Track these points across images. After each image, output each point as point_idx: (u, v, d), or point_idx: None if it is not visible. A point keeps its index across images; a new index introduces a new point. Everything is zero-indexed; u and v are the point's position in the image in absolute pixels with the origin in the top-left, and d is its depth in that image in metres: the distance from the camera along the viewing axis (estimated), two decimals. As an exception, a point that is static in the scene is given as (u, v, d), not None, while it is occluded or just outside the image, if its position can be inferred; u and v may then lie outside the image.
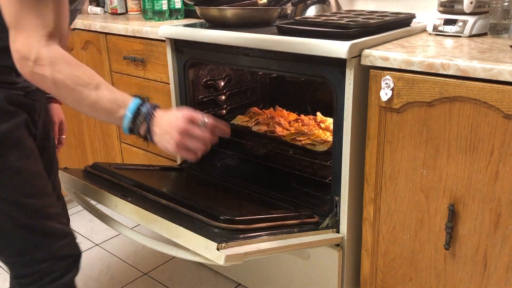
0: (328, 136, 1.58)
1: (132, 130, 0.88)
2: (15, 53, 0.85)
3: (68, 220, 1.33)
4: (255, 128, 1.70)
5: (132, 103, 0.87)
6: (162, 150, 0.88)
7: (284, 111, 1.86)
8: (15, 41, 0.85)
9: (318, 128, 1.67)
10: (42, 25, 0.85)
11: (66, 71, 0.85)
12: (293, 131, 1.64)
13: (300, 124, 1.71)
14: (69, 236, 1.09)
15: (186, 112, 0.90)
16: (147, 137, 0.88)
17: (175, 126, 0.87)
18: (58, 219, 1.07)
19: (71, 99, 0.87)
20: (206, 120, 0.90)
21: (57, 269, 1.07)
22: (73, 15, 1.09)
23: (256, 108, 1.87)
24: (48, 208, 1.05)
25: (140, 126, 0.87)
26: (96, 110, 0.87)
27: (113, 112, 0.87)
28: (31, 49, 0.84)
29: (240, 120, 1.78)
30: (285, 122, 1.72)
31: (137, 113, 0.87)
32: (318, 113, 1.78)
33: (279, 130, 1.65)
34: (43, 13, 0.85)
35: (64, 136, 1.37)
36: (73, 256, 1.10)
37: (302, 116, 1.78)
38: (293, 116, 1.80)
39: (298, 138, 1.58)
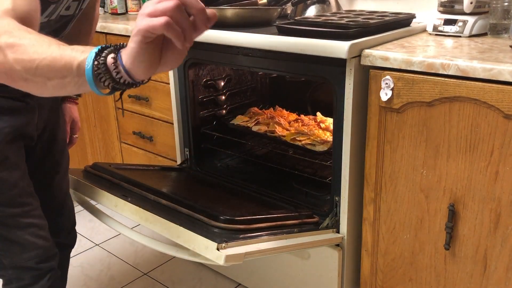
0: (328, 136, 1.58)
1: (97, 68, 0.67)
2: None
3: (73, 224, 1.32)
4: (255, 128, 1.70)
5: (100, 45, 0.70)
6: (132, 68, 0.66)
7: (284, 111, 1.86)
8: None
9: (318, 128, 1.67)
10: None
11: (23, 34, 0.70)
12: (293, 131, 1.64)
13: (300, 124, 1.71)
14: (40, 249, 1.08)
15: None
16: (116, 68, 0.67)
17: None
18: (30, 231, 1.06)
19: (26, 61, 0.68)
20: None
21: (23, 278, 1.08)
22: (61, 21, 1.04)
23: (256, 108, 1.87)
24: (20, 218, 1.04)
25: (105, 58, 0.67)
26: (55, 63, 0.68)
27: (74, 57, 0.67)
28: None
29: (240, 120, 1.78)
30: (285, 122, 1.72)
31: (103, 48, 0.68)
32: (318, 113, 1.78)
33: (279, 130, 1.65)
34: None
35: (76, 136, 1.36)
36: (41, 270, 1.09)
37: (302, 116, 1.78)
38: (293, 116, 1.80)
39: (298, 138, 1.58)
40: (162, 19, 0.62)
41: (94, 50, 0.67)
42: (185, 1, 0.64)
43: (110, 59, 0.67)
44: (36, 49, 0.68)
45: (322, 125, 1.68)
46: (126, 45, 0.68)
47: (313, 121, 1.73)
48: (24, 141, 1.07)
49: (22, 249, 1.05)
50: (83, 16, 1.19)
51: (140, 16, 0.64)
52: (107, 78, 0.67)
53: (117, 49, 0.68)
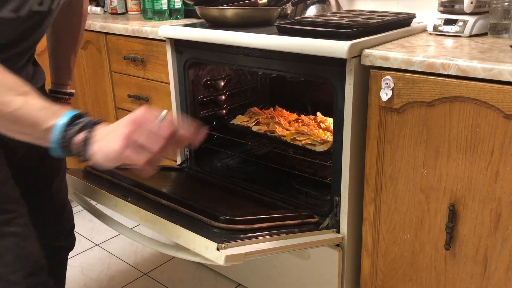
0: (328, 136, 1.58)
1: (64, 140, 0.67)
2: None
3: (72, 227, 1.29)
4: (255, 128, 1.70)
5: (70, 111, 0.69)
6: (99, 162, 0.66)
7: (284, 111, 1.86)
8: None
9: (318, 128, 1.67)
10: None
11: None
12: (293, 131, 1.64)
13: (300, 124, 1.71)
14: (25, 261, 0.97)
15: (137, 112, 0.70)
16: (82, 150, 0.67)
17: (123, 123, 0.67)
18: (13, 240, 0.96)
19: None
20: (164, 114, 0.68)
21: None
22: (34, 18, 0.95)
23: (256, 108, 1.87)
24: (2, 227, 0.95)
25: (75, 134, 0.67)
26: (19, 120, 0.67)
27: (42, 121, 0.66)
28: None
29: (240, 120, 1.78)
30: (285, 122, 1.72)
31: (73, 119, 0.67)
32: (318, 113, 1.77)
33: (279, 130, 1.65)
34: None
35: None
36: (29, 284, 0.98)
37: (302, 116, 1.78)
38: (293, 116, 1.80)
39: (298, 138, 1.58)
40: (140, 162, 0.63)
41: (63, 119, 0.66)
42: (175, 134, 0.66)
43: (77, 140, 0.66)
44: (2, 98, 0.66)
45: (322, 125, 1.68)
46: (100, 121, 0.69)
47: (313, 121, 1.73)
48: (4, 148, 0.99)
49: (6, 261, 0.96)
50: (70, 13, 1.16)
51: (125, 134, 0.64)
52: (69, 150, 0.67)
53: (89, 126, 0.67)
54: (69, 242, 1.31)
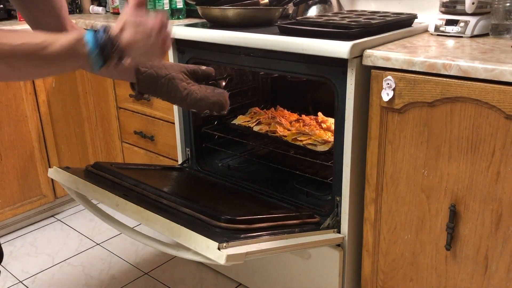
0: (329, 137, 1.58)
1: (99, 44, 0.78)
2: None
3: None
4: (256, 128, 1.70)
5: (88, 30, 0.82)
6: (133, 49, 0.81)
7: (286, 111, 1.86)
8: None
9: (319, 128, 1.67)
10: None
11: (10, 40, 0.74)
12: (294, 131, 1.64)
13: (301, 124, 1.71)
14: None
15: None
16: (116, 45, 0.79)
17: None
18: None
19: (27, 61, 0.76)
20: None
21: None
22: None
23: (257, 108, 1.87)
24: None
25: (104, 34, 0.79)
26: (58, 57, 0.77)
27: (76, 47, 0.78)
28: None
29: (241, 120, 1.78)
30: (286, 122, 1.72)
31: (94, 30, 0.80)
32: (320, 113, 1.78)
33: (280, 130, 1.65)
34: None
35: None
36: None
37: (303, 116, 1.78)
38: (294, 116, 1.80)
39: (299, 138, 1.58)
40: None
41: (88, 31, 0.80)
42: None
43: (110, 41, 0.80)
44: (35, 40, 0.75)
45: (324, 125, 1.68)
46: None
47: (314, 121, 1.73)
48: None
49: None
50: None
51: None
52: (107, 50, 0.79)
53: (107, 29, 0.80)
54: None
